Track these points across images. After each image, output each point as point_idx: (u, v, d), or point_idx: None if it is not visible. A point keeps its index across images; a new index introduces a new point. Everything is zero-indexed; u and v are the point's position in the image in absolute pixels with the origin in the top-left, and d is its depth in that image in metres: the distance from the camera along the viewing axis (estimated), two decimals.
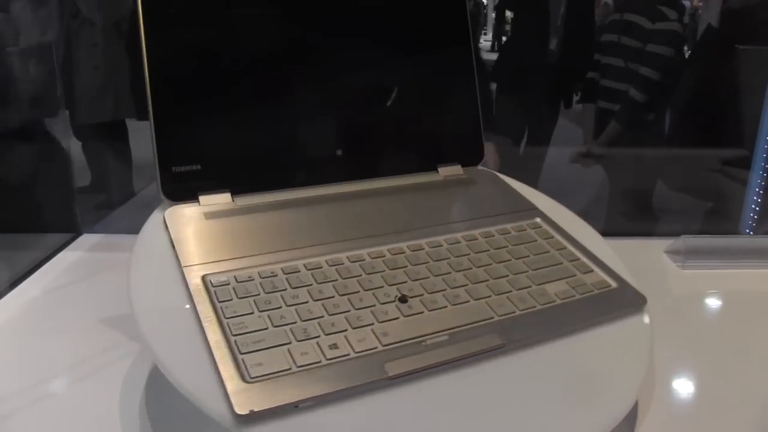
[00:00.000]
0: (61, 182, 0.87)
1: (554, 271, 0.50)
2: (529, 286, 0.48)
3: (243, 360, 0.38)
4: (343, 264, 0.47)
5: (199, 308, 0.41)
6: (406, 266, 0.48)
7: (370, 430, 0.36)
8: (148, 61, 0.49)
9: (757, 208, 0.86)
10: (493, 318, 0.44)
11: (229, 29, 0.53)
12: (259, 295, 0.43)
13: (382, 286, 0.45)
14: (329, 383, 0.37)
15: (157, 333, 0.40)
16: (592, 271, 0.51)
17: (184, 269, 0.45)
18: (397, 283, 0.46)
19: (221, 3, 0.53)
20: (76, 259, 0.74)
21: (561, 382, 0.41)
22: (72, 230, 0.80)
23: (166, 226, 0.49)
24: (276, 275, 0.45)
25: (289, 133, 0.55)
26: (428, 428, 0.37)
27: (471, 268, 0.49)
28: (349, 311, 0.43)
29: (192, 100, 0.52)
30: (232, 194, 0.52)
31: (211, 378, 0.37)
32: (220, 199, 0.52)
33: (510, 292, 0.47)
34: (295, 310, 0.42)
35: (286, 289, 0.44)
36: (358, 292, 0.45)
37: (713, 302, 0.68)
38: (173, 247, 0.47)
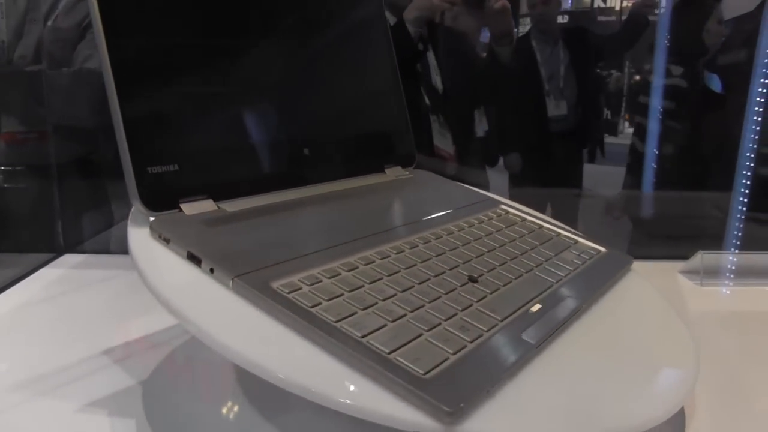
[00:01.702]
0: (44, 203, 0.88)
1: (554, 244, 0.52)
2: (551, 257, 0.49)
3: (397, 359, 0.31)
4: (390, 256, 0.42)
5: (291, 317, 0.33)
6: (444, 252, 0.45)
7: (561, 397, 0.33)
8: (110, 57, 0.39)
9: (740, 226, 0.91)
10: (552, 285, 0.44)
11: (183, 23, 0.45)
12: (342, 294, 0.36)
13: (444, 271, 0.42)
14: (497, 363, 0.33)
15: (274, 360, 0.31)
16: (577, 242, 0.54)
17: (236, 281, 0.35)
18: (454, 267, 0.43)
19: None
20: (54, 277, 0.69)
21: (637, 329, 0.43)
22: (54, 250, 0.77)
23: (166, 240, 0.38)
24: (340, 274, 0.38)
25: (260, 135, 0.48)
26: (589, 385, 0.35)
27: (495, 248, 0.48)
28: (440, 297, 0.38)
29: (160, 90, 0.42)
30: (213, 200, 0.43)
31: (371, 387, 0.30)
32: (204, 207, 0.42)
33: (542, 263, 0.47)
34: (394, 302, 0.36)
35: (363, 286, 0.37)
36: (429, 279, 0.40)
37: (744, 317, 0.63)
38: (194, 260, 0.37)
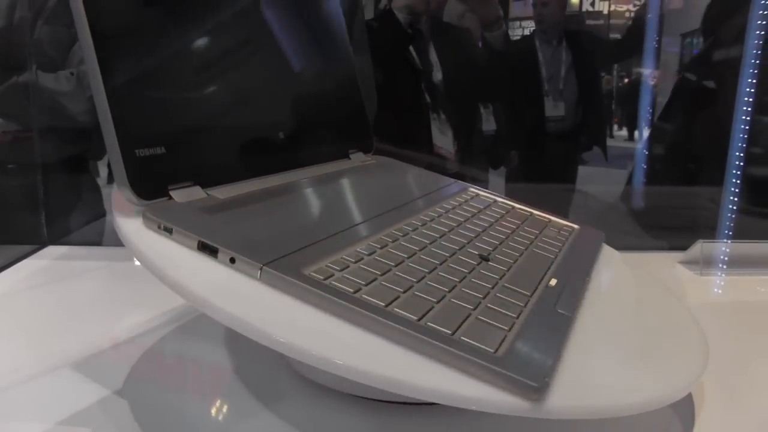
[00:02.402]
0: (27, 195, 0.88)
1: (533, 222, 0.53)
2: (537, 235, 0.49)
3: (461, 339, 0.29)
4: (399, 239, 0.40)
5: (339, 304, 0.30)
6: (445, 233, 0.44)
7: (613, 367, 0.33)
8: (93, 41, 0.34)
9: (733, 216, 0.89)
10: (553, 261, 0.44)
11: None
12: (377, 278, 0.34)
13: (456, 251, 0.41)
14: (551, 336, 0.32)
15: (337, 350, 0.28)
16: (551, 220, 0.55)
17: (266, 270, 0.31)
18: (462, 247, 0.42)
19: None
20: (36, 268, 0.67)
21: (639, 295, 0.45)
22: (38, 242, 0.76)
23: (167, 230, 0.34)
24: (363, 258, 0.36)
25: (239, 120, 0.44)
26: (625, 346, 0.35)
27: (486, 228, 0.47)
28: (465, 276, 0.37)
29: (141, 73, 0.37)
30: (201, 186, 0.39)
31: (446, 374, 0.28)
32: (194, 194, 0.38)
33: (533, 241, 0.48)
34: (429, 283, 0.34)
35: (391, 269, 0.35)
36: (447, 259, 0.39)
37: (745, 306, 0.61)
38: (207, 250, 0.33)
